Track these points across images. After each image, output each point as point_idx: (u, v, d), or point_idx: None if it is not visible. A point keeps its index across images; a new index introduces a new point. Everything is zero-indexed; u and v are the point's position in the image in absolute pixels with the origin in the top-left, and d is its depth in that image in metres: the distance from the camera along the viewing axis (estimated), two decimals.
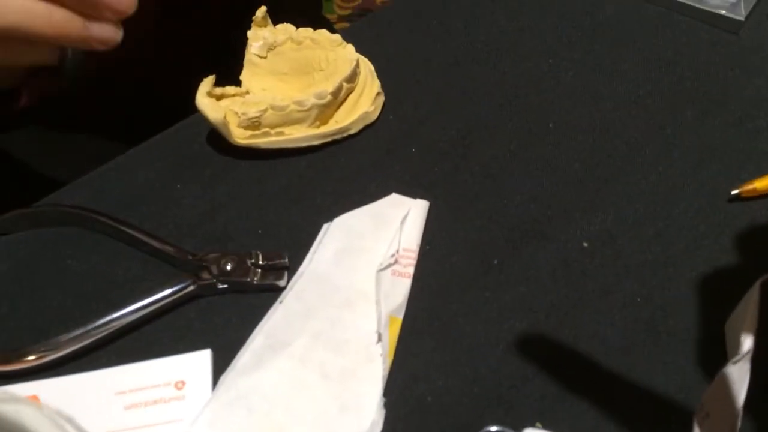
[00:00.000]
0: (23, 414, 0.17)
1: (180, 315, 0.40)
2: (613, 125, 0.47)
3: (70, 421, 0.18)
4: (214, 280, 0.40)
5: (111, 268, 0.42)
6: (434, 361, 0.37)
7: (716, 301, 0.39)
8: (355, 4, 1.83)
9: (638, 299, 0.39)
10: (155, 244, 0.42)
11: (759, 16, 0.54)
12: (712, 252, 0.41)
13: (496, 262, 0.41)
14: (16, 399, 0.18)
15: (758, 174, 0.43)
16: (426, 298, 0.40)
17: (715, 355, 0.37)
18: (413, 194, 0.44)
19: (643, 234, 0.42)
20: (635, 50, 0.52)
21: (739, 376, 0.29)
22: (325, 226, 0.43)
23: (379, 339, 0.38)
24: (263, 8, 0.50)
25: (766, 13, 0.54)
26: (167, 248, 0.41)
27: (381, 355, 0.37)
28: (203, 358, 0.37)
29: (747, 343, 0.31)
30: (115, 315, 0.38)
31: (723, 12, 0.53)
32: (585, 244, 0.41)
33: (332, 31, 0.51)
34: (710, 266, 0.40)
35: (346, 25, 1.79)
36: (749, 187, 0.43)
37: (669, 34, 0.53)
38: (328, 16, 1.68)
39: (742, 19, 0.52)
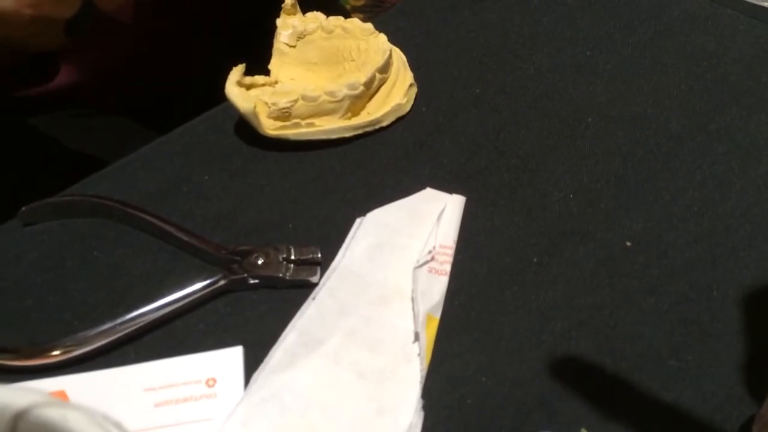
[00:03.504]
0: (70, 419, 0.16)
1: (210, 310, 0.38)
2: (655, 120, 0.46)
3: (118, 426, 0.17)
4: (246, 275, 0.39)
5: (139, 261, 0.41)
6: (473, 362, 0.36)
7: (765, 302, 0.37)
8: None
9: (684, 300, 0.38)
10: (184, 237, 0.41)
11: None
12: (761, 252, 0.39)
13: (535, 260, 0.40)
14: (61, 403, 0.17)
15: None
16: (463, 296, 0.39)
17: (765, 357, 0.35)
18: (448, 189, 0.43)
19: (689, 233, 0.40)
20: (676, 43, 0.51)
21: None
22: (358, 220, 0.42)
23: (416, 338, 0.36)
24: None
25: None
26: (197, 241, 0.40)
27: (418, 355, 0.36)
28: (235, 354, 0.36)
29: None
30: (143, 309, 0.37)
31: (766, 4, 0.52)
32: (628, 243, 0.40)
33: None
34: (759, 267, 0.39)
35: (361, 16, 1.77)
36: None
37: (711, 27, 0.52)
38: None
39: None
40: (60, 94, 0.55)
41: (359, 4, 1.78)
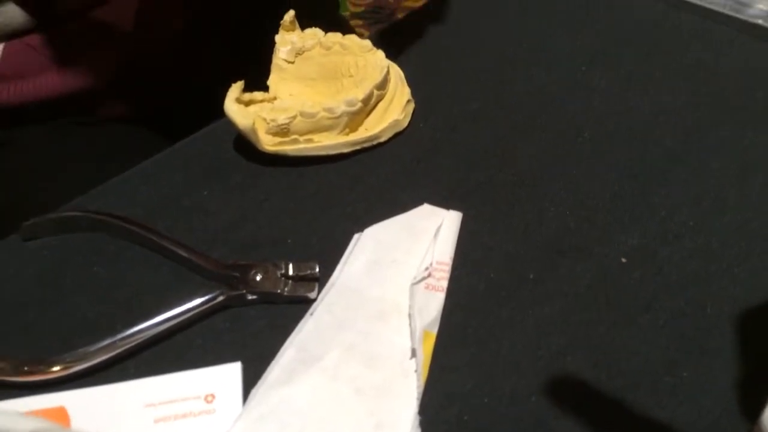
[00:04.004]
0: None
1: (209, 326, 0.39)
2: (651, 135, 0.46)
3: None
4: (244, 291, 0.39)
5: (138, 277, 0.41)
6: (470, 378, 0.36)
7: (760, 319, 0.37)
8: (368, 1, 1.82)
9: (680, 317, 0.38)
10: (183, 252, 0.41)
11: None
12: (756, 268, 0.40)
13: (532, 276, 0.40)
14: (63, 430, 0.17)
15: None
16: (460, 312, 0.39)
17: (761, 374, 0.35)
18: (445, 204, 0.43)
19: (684, 249, 0.41)
20: (671, 59, 0.51)
21: None
22: (355, 236, 0.42)
23: (414, 354, 0.37)
24: (291, 12, 0.50)
25: None
26: (196, 257, 0.41)
27: (415, 371, 0.36)
28: (233, 370, 0.36)
29: None
30: (143, 325, 0.37)
31: (760, 21, 0.52)
32: (624, 259, 0.40)
33: (350, 32, 0.51)
34: (754, 283, 0.39)
35: (360, 22, 1.78)
36: None
37: (706, 44, 0.52)
38: (342, 14, 1.67)
39: None
40: (60, 102, 0.56)
41: (359, 10, 1.79)
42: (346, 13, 1.77)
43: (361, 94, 0.46)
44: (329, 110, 0.45)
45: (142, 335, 0.37)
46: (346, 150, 0.47)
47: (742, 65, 0.51)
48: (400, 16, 1.76)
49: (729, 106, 0.48)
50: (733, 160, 0.45)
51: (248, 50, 0.56)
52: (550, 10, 0.56)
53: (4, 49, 0.54)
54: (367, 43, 0.49)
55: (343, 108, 0.45)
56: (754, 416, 0.34)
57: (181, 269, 0.41)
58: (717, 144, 0.46)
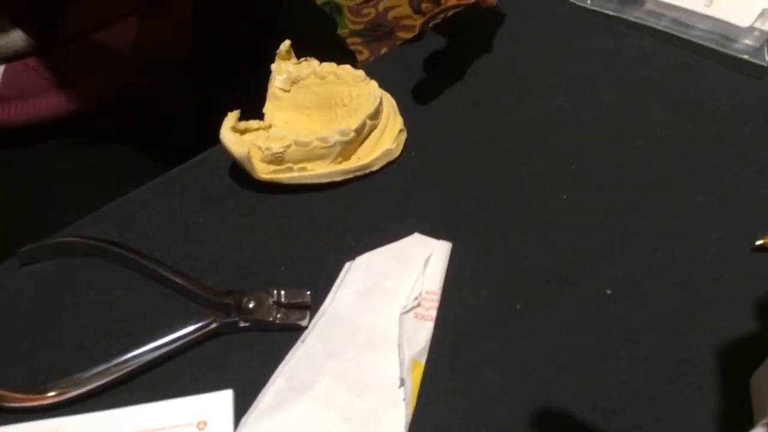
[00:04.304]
0: None
1: (201, 353, 0.40)
2: (638, 168, 0.47)
3: None
4: (237, 319, 0.40)
5: (133, 302, 0.42)
6: (457, 408, 0.37)
7: (742, 352, 0.38)
8: (367, 19, 1.84)
9: (663, 349, 0.39)
10: (177, 279, 0.42)
11: None
12: (738, 303, 0.41)
13: (518, 306, 0.41)
14: None
15: None
16: (448, 342, 0.40)
17: (741, 407, 0.36)
18: (435, 234, 0.44)
19: (667, 282, 0.42)
20: (658, 93, 0.52)
21: None
22: (347, 264, 0.43)
23: (402, 384, 0.38)
24: (287, 42, 0.51)
25: None
26: (190, 284, 0.41)
27: (404, 400, 0.37)
28: (225, 398, 0.37)
29: None
30: (136, 352, 0.38)
31: (746, 57, 0.53)
32: (608, 291, 0.41)
33: (349, 56, 0.52)
34: (735, 317, 0.40)
35: (358, 39, 1.80)
36: None
37: (693, 78, 0.53)
38: (341, 31, 1.69)
39: (765, 64, 0.53)
40: (60, 123, 0.57)
41: (358, 28, 1.81)
42: (345, 31, 1.79)
43: (354, 124, 0.47)
44: (323, 139, 0.46)
45: (135, 362, 0.38)
46: (338, 178, 0.48)
47: (729, 99, 0.52)
48: (399, 34, 1.79)
49: (715, 140, 0.49)
50: (719, 194, 0.46)
51: (245, 78, 0.57)
52: (541, 44, 0.57)
53: (5, 70, 0.55)
54: (361, 73, 0.50)
55: (336, 137, 0.46)
56: None
57: (175, 295, 0.42)
58: (703, 178, 0.47)
